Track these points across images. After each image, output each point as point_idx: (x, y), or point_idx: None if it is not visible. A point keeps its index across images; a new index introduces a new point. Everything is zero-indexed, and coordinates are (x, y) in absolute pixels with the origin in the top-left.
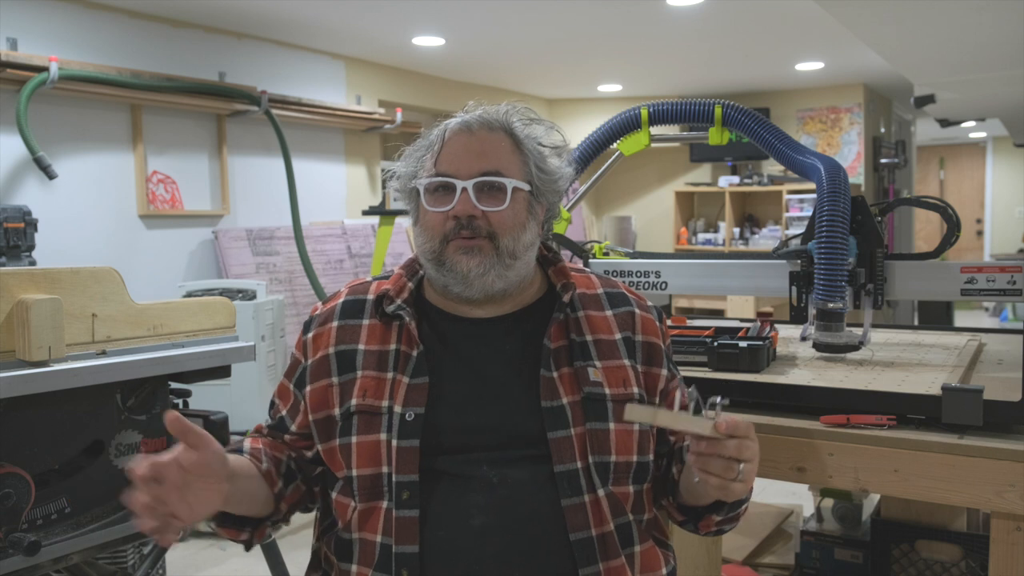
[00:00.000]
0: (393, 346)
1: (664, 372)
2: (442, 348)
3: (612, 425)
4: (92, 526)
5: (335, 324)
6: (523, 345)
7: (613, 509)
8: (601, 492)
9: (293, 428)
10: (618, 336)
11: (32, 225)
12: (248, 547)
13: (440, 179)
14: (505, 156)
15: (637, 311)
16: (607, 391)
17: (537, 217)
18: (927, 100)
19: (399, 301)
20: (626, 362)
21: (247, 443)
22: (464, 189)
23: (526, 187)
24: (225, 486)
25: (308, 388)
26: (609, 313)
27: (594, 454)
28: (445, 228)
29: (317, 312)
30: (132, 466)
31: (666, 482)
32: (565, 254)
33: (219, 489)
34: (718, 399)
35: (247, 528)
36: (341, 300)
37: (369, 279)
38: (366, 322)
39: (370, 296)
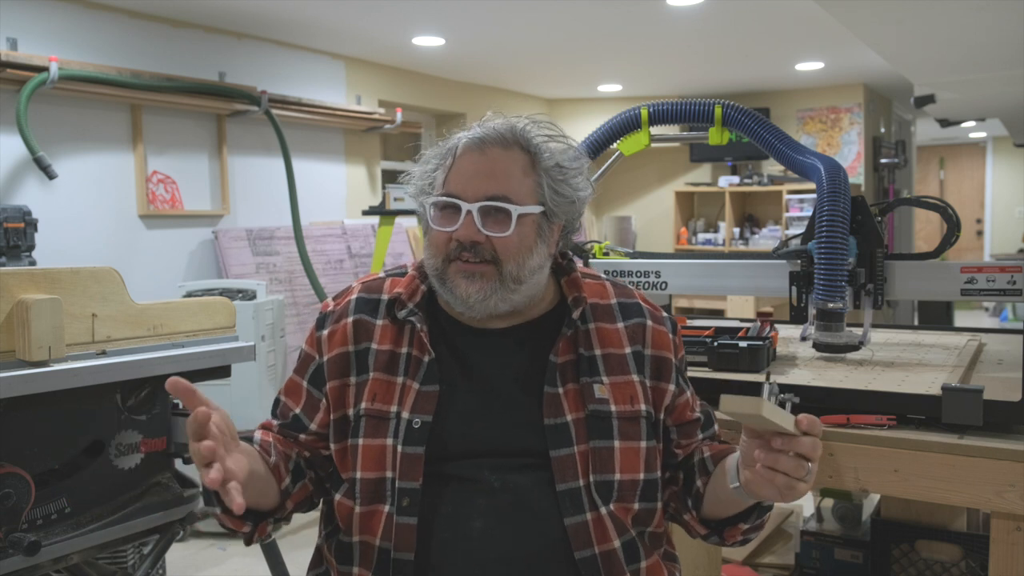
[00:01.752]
0: (404, 349)
1: (671, 388)
2: (451, 357)
3: (617, 443)
4: (92, 526)
5: (351, 320)
6: (531, 358)
7: (617, 528)
8: (603, 510)
9: (313, 427)
10: (628, 350)
11: (32, 225)
12: (249, 541)
13: (446, 199)
14: (516, 178)
15: (649, 323)
16: (613, 408)
17: (548, 238)
18: (927, 100)
19: (411, 306)
20: (635, 377)
21: (258, 434)
22: (469, 212)
23: (537, 210)
24: (241, 445)
25: (328, 386)
26: (621, 325)
27: (595, 473)
28: (448, 248)
29: (330, 309)
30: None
31: (688, 496)
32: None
33: (242, 448)
34: (788, 396)
35: (249, 520)
36: (355, 296)
37: (382, 275)
38: (379, 322)
39: (384, 296)
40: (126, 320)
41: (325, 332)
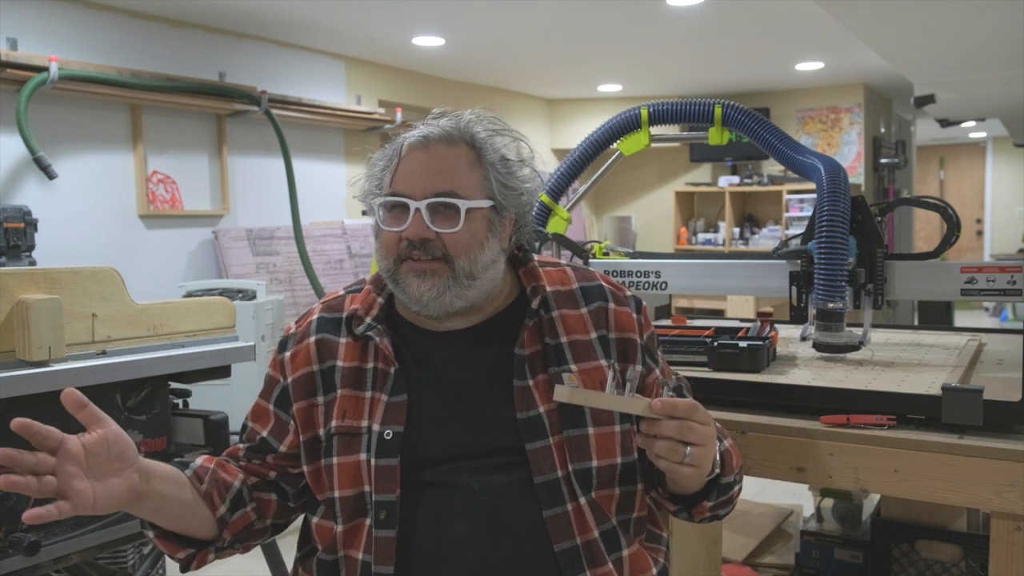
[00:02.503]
0: (371, 364)
1: (638, 368)
2: (416, 364)
3: (591, 430)
4: (92, 526)
5: (312, 340)
6: (497, 355)
7: (596, 517)
8: (583, 500)
9: (282, 448)
10: (594, 335)
11: (32, 225)
12: (184, 568)
13: (393, 199)
14: (463, 173)
15: (611, 306)
16: None
17: (500, 232)
18: (927, 100)
19: (368, 320)
20: (603, 362)
21: (197, 460)
22: (417, 210)
23: (486, 204)
24: (134, 476)
25: (295, 407)
26: (584, 310)
27: (574, 462)
28: (399, 248)
29: (291, 332)
30: None
31: (652, 474)
32: (566, 253)
33: (127, 476)
34: (665, 382)
35: (189, 548)
36: (315, 317)
37: (342, 292)
38: (343, 340)
39: (344, 314)
40: (126, 320)
41: (287, 354)
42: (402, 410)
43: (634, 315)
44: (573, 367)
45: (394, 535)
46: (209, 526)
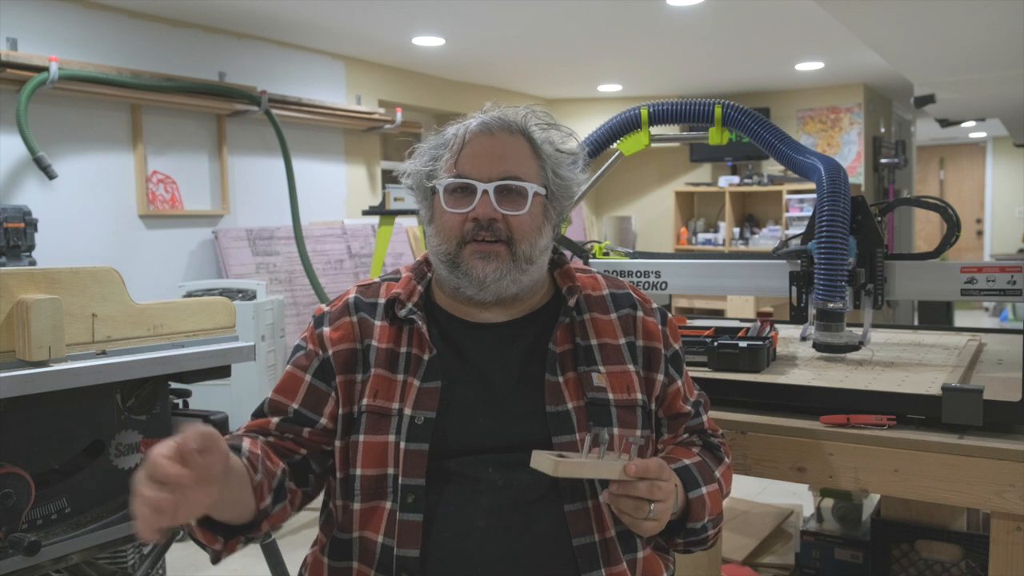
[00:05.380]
0: (404, 349)
1: (660, 377)
2: (451, 353)
3: (616, 431)
4: (92, 526)
5: (355, 319)
6: (530, 350)
7: (615, 516)
8: (603, 498)
9: (322, 420)
10: (623, 341)
11: (32, 225)
12: (216, 559)
13: (461, 180)
14: (524, 160)
15: (639, 314)
16: (611, 396)
17: (552, 221)
18: (927, 100)
19: (410, 305)
20: (631, 367)
21: (246, 444)
22: (485, 191)
23: (543, 191)
24: (217, 490)
25: (337, 379)
26: (614, 316)
27: None
28: (463, 230)
29: (326, 311)
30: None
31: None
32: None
33: (212, 493)
34: (633, 439)
35: (221, 535)
36: (353, 296)
37: (377, 280)
38: (378, 323)
39: (381, 299)
40: (126, 320)
41: (327, 329)
42: (435, 396)
43: (660, 326)
44: (602, 368)
45: (420, 520)
46: (248, 515)
